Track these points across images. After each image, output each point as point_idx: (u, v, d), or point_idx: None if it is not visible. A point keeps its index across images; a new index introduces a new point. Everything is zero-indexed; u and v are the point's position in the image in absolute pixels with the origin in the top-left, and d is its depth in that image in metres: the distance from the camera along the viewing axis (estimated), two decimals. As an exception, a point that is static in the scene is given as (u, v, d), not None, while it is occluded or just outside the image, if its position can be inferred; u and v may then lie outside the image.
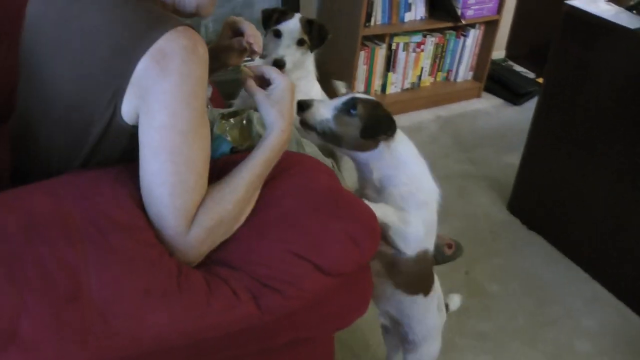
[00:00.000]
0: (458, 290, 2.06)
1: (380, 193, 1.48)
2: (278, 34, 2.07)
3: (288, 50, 2.07)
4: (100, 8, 1.14)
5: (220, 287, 1.12)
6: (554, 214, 2.59)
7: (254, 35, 1.42)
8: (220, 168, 1.24)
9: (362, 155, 1.45)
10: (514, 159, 2.78)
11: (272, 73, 1.27)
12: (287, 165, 1.32)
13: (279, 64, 2.00)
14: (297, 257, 1.18)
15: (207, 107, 1.38)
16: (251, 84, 1.27)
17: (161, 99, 1.07)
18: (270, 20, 2.09)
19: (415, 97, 3.63)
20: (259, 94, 1.25)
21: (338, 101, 1.43)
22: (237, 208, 1.17)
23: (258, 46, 1.41)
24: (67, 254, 1.04)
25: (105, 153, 1.20)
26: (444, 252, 2.33)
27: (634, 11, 2.20)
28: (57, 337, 0.97)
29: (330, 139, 1.43)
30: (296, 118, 1.36)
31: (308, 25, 2.11)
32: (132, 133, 1.13)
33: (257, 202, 1.24)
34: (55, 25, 1.18)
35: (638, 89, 2.09)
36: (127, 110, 1.11)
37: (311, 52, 2.17)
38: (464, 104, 3.79)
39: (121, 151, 1.19)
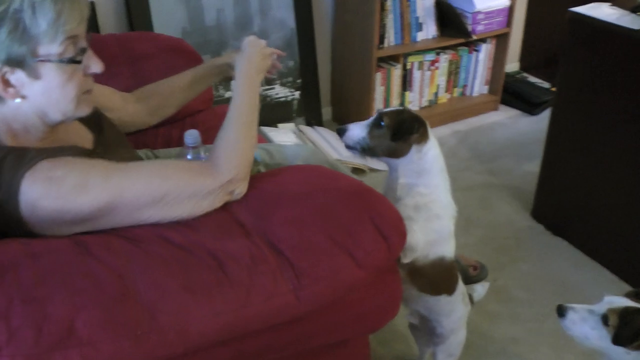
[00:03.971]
0: (486, 298, 2.10)
1: (397, 202, 1.56)
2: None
3: None
4: None
5: (261, 277, 1.20)
6: (577, 218, 2.62)
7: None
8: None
9: (394, 162, 1.58)
10: (534, 167, 2.83)
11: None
12: (313, 168, 1.47)
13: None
14: (336, 246, 1.27)
15: (202, 153, 1.54)
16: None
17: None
18: None
19: (433, 114, 3.69)
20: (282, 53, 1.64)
21: (369, 120, 1.58)
22: (239, 133, 1.40)
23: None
24: (112, 261, 1.15)
25: None
26: (469, 274, 2.38)
27: (638, 13, 2.25)
28: (111, 334, 1.06)
29: (369, 153, 1.58)
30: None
31: None
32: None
33: (293, 196, 1.36)
34: None
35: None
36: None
37: None
38: (481, 117, 3.84)
39: None
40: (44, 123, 1.28)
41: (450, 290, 1.69)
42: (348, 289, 1.31)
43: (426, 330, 1.85)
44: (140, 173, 1.28)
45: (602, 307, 1.43)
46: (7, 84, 1.19)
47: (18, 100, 1.22)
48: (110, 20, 2.93)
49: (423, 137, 1.55)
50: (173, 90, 1.78)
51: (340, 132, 1.60)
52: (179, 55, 2.26)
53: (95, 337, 1.05)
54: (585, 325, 1.44)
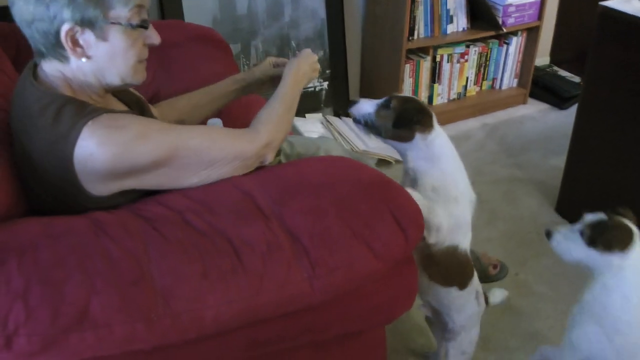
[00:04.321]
0: (509, 292, 2.10)
1: (414, 184, 1.59)
2: None
3: None
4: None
5: (275, 265, 1.22)
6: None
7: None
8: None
9: (401, 146, 1.61)
10: (561, 162, 2.81)
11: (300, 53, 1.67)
12: (334, 158, 1.50)
13: None
14: (354, 237, 1.29)
15: None
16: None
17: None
18: None
19: (462, 107, 3.69)
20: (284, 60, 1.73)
21: (380, 100, 1.63)
22: (280, 108, 1.53)
23: None
24: (129, 245, 1.18)
25: None
26: (489, 272, 2.38)
27: (669, 8, 2.23)
28: (124, 316, 1.09)
29: (373, 131, 1.63)
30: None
31: None
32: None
33: (312, 185, 1.39)
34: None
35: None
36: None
37: None
38: (510, 110, 3.82)
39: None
40: (101, 86, 1.36)
41: (461, 283, 1.69)
42: (364, 280, 1.33)
43: (440, 326, 1.85)
44: (192, 133, 1.37)
45: (581, 224, 1.58)
46: (76, 43, 1.27)
47: (84, 59, 1.29)
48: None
49: (427, 127, 1.57)
50: (193, 107, 1.82)
51: (351, 104, 1.65)
52: (207, 44, 2.29)
53: (110, 319, 1.09)
54: (568, 241, 1.60)
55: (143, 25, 1.33)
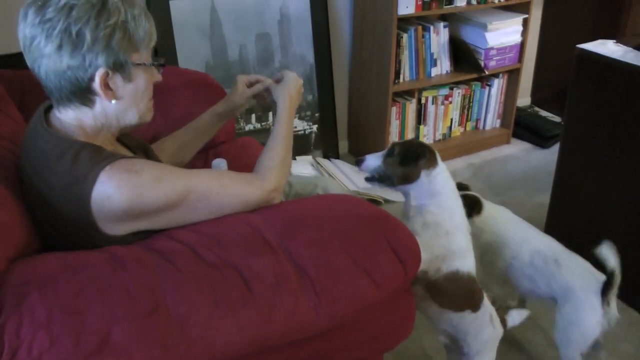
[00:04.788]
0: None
1: (409, 219, 1.67)
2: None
3: None
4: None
5: (283, 295, 1.28)
6: (587, 247, 2.68)
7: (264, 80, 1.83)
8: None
9: (409, 187, 1.69)
10: (545, 199, 2.89)
11: (284, 72, 1.75)
12: (334, 195, 1.57)
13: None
14: (356, 268, 1.36)
15: None
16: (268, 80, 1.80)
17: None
18: None
19: (447, 147, 3.78)
20: (271, 82, 1.76)
21: (384, 151, 1.72)
22: (282, 150, 1.59)
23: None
24: (144, 277, 1.24)
25: None
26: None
27: (642, 50, 2.35)
28: (143, 344, 1.15)
29: (385, 181, 1.72)
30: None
31: None
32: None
33: (316, 220, 1.46)
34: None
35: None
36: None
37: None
38: (494, 150, 3.93)
39: None
40: (118, 127, 1.44)
41: (473, 306, 1.75)
42: (366, 309, 1.39)
43: (458, 352, 1.88)
44: (202, 177, 1.44)
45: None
46: (107, 86, 1.35)
47: (113, 101, 1.38)
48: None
49: (431, 163, 1.66)
50: (179, 148, 1.88)
51: (359, 163, 1.73)
52: (203, 89, 2.36)
53: (129, 347, 1.14)
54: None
55: (162, 63, 1.44)
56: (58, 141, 1.35)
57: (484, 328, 1.80)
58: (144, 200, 1.32)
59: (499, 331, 1.86)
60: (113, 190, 1.29)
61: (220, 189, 1.42)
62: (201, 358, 1.21)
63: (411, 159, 1.66)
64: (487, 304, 1.80)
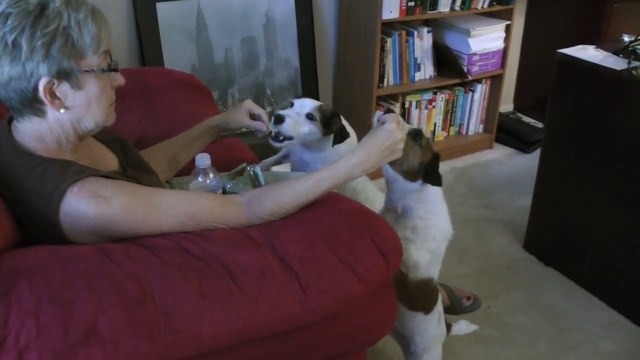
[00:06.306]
0: (481, 324, 2.21)
1: (396, 221, 1.68)
2: (291, 105, 2.03)
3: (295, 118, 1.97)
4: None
5: (269, 288, 1.30)
6: (567, 249, 2.73)
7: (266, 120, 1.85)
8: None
9: (402, 183, 1.69)
10: (527, 202, 2.94)
11: (387, 118, 1.53)
12: (326, 196, 1.56)
13: (278, 119, 1.92)
14: (339, 262, 1.38)
15: (212, 175, 1.66)
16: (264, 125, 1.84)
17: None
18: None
19: (431, 152, 3.80)
20: (267, 126, 1.81)
21: (410, 126, 1.66)
22: (291, 207, 1.47)
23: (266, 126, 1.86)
24: (132, 268, 1.25)
25: None
26: (463, 304, 2.47)
27: (620, 55, 2.39)
28: (129, 333, 1.16)
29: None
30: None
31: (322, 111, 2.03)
32: None
33: (302, 219, 1.47)
34: None
35: (629, 124, 2.27)
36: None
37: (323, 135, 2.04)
38: (477, 155, 3.98)
39: None
40: (76, 134, 1.41)
41: (427, 309, 1.79)
42: (349, 302, 1.41)
43: (403, 349, 1.93)
44: (179, 207, 1.40)
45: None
46: (53, 96, 1.32)
47: (62, 110, 1.34)
48: (123, 58, 3.08)
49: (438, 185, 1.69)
50: (171, 159, 1.88)
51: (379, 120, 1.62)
52: (189, 88, 2.39)
53: (116, 336, 1.15)
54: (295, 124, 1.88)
55: (114, 68, 1.40)
56: (26, 158, 1.35)
57: (430, 326, 1.84)
58: (111, 227, 1.34)
59: (444, 330, 1.91)
60: (82, 214, 1.31)
61: (198, 209, 1.41)
62: (187, 349, 1.22)
63: (427, 177, 1.66)
64: (439, 306, 1.85)
